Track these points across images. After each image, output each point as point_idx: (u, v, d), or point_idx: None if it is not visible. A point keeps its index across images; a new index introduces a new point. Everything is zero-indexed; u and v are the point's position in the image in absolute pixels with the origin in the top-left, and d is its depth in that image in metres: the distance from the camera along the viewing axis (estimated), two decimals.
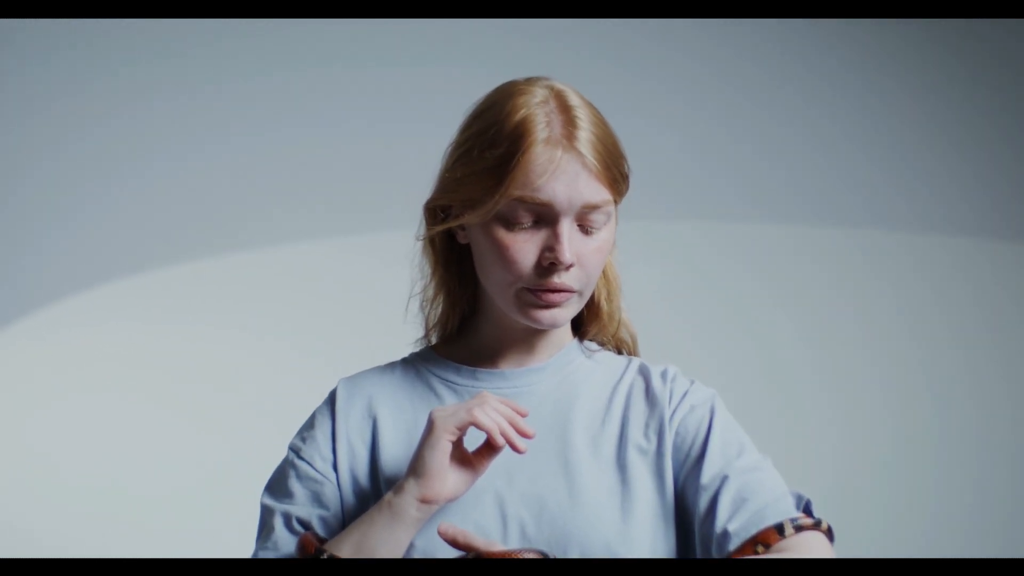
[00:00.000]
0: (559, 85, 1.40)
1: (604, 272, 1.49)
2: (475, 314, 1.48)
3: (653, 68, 3.18)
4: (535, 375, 1.45)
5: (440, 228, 1.42)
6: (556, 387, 1.45)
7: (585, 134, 1.35)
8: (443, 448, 1.32)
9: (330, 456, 1.43)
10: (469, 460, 1.35)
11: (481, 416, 1.31)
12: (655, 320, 2.95)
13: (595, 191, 1.35)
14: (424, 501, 1.32)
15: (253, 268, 3.02)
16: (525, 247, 1.36)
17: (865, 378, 3.19)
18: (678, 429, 1.41)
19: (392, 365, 1.51)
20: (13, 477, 2.93)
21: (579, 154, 1.34)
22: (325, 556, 1.32)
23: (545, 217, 1.36)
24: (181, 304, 2.99)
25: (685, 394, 1.44)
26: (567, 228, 1.35)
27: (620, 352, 1.54)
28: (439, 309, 1.49)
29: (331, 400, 1.47)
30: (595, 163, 1.34)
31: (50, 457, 2.93)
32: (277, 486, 1.44)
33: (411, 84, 3.03)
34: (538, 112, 1.35)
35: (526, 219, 1.36)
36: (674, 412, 1.42)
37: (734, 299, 3.17)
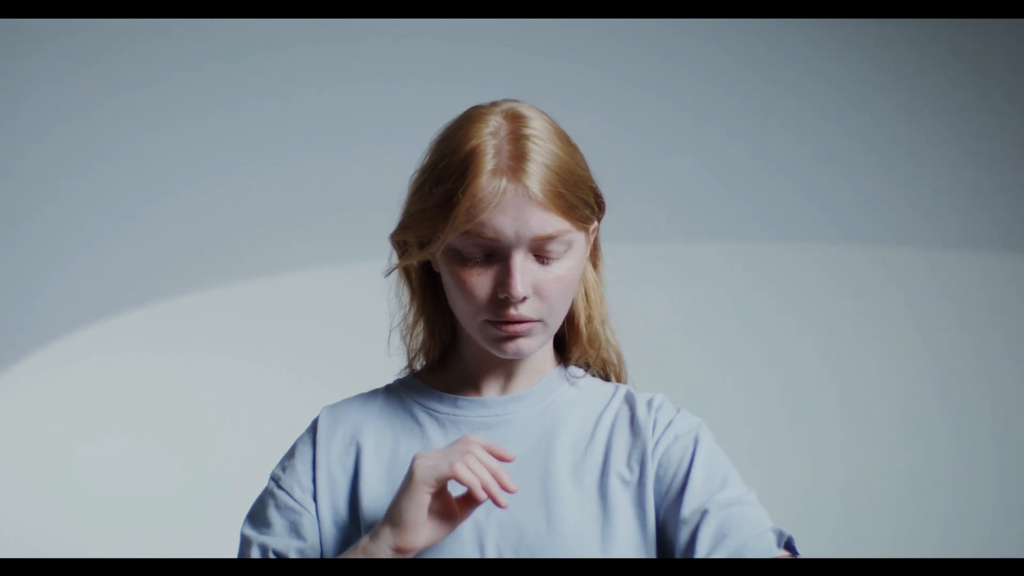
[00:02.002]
0: (520, 110, 1.36)
1: (586, 294, 1.46)
2: (455, 341, 1.46)
3: (667, 87, 3.11)
4: (517, 403, 1.43)
5: (402, 264, 1.41)
6: (539, 415, 1.43)
7: (534, 165, 1.31)
8: (420, 500, 1.29)
9: (310, 486, 1.42)
10: (450, 508, 1.32)
11: (462, 471, 1.28)
12: (671, 340, 2.95)
13: (544, 222, 1.32)
14: (398, 551, 1.30)
15: (245, 297, 3.01)
16: (480, 280, 1.34)
17: (885, 396, 3.12)
18: (661, 460, 1.39)
19: (375, 392, 1.49)
20: (14, 482, 2.96)
21: (524, 186, 1.31)
22: None
23: (496, 251, 1.33)
24: (174, 334, 3.00)
25: (669, 423, 1.41)
26: (519, 261, 1.33)
27: (607, 376, 1.51)
28: (420, 337, 1.48)
29: (313, 429, 1.46)
30: (541, 193, 1.31)
31: (55, 464, 2.96)
32: (257, 516, 1.43)
33: (399, 106, 2.99)
34: (487, 143, 1.32)
35: (478, 253, 1.34)
36: (657, 442, 1.40)
37: (751, 317, 3.12)
